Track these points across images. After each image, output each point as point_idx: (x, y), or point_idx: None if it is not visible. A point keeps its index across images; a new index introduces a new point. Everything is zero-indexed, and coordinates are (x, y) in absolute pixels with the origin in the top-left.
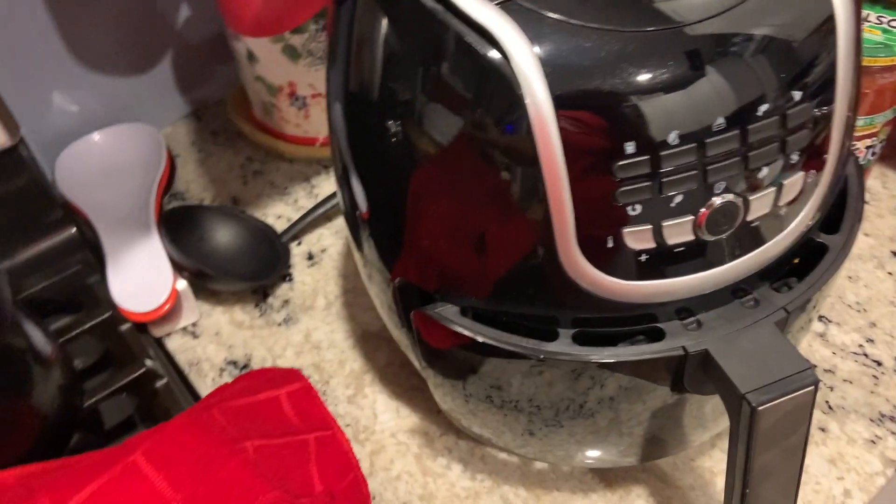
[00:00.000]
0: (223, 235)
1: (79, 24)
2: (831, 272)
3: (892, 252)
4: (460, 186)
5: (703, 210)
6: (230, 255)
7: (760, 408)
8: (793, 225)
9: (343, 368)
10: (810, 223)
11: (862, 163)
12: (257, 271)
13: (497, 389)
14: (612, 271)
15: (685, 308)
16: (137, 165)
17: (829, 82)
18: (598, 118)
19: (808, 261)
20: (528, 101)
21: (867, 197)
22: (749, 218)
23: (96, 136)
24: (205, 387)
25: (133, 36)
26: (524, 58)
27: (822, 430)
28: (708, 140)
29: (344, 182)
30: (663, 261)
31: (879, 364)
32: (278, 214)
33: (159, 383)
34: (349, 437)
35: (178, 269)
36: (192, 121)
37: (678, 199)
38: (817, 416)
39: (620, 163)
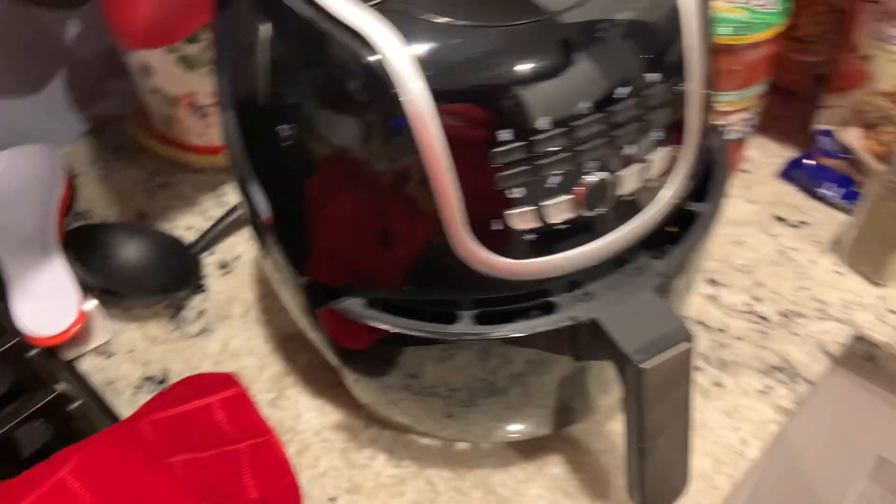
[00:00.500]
0: (130, 251)
1: None
2: (702, 237)
3: (774, 216)
4: (352, 185)
5: (579, 188)
6: (139, 271)
7: (644, 365)
8: (664, 196)
9: (263, 373)
10: (680, 193)
11: (739, 135)
12: (168, 285)
13: (413, 378)
14: (503, 252)
15: (576, 281)
16: (35, 188)
17: (680, 63)
18: (472, 110)
19: (682, 228)
20: (404, 99)
21: (748, 166)
22: (622, 192)
23: None
24: (122, 405)
25: (21, 56)
26: (399, 58)
27: (718, 385)
28: (575, 124)
29: (244, 190)
30: (549, 238)
31: (766, 319)
32: (188, 226)
33: (73, 406)
34: None
35: (86, 289)
36: (92, 138)
37: (555, 180)
38: (713, 372)
39: (497, 150)
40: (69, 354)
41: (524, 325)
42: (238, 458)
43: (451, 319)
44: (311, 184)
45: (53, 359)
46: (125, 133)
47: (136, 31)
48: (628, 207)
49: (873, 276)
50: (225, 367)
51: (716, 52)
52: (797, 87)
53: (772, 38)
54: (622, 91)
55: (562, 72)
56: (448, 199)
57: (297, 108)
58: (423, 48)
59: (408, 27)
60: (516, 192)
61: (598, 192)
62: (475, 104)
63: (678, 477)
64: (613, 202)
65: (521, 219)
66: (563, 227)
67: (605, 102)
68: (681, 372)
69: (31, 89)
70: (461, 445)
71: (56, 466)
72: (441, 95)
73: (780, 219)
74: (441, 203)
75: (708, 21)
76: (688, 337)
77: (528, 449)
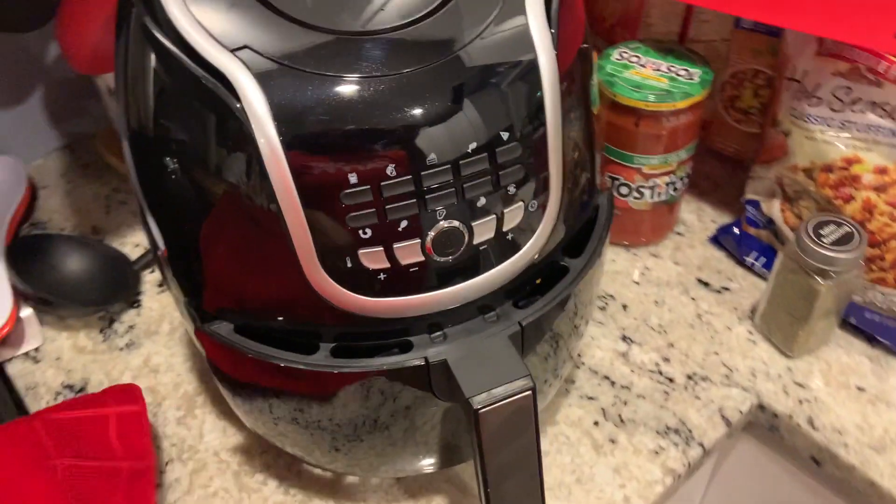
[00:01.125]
0: (73, 263)
1: None
2: (567, 291)
3: (698, 279)
4: (219, 218)
5: (429, 234)
6: (78, 282)
7: (481, 409)
8: (524, 249)
9: (177, 391)
10: (543, 248)
11: (666, 198)
12: (105, 297)
13: (300, 412)
14: (357, 289)
15: (436, 323)
16: (1, 196)
17: (538, 126)
18: (323, 154)
19: (552, 281)
20: (261, 141)
21: (682, 229)
22: (476, 241)
23: None
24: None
25: (1, 71)
26: (256, 102)
27: (612, 441)
28: (424, 173)
29: (142, 218)
30: (402, 279)
31: (672, 381)
32: (136, 243)
33: None
34: (173, 457)
35: (24, 296)
36: (64, 154)
37: (404, 223)
38: (609, 428)
39: (346, 191)
40: (0, 357)
41: (379, 361)
42: (118, 476)
43: (309, 349)
44: (188, 214)
45: None
46: (95, 151)
47: (83, 56)
48: (485, 257)
49: (783, 346)
50: (142, 382)
51: (591, 115)
52: (740, 156)
53: (692, 107)
54: (472, 146)
55: (413, 124)
56: (301, 236)
57: (173, 141)
58: (277, 95)
59: (265, 73)
60: (366, 233)
61: (448, 240)
62: (325, 149)
63: None
64: (467, 251)
65: (372, 258)
66: (415, 269)
67: (454, 156)
68: (524, 419)
69: (8, 103)
70: (350, 479)
71: None
72: (293, 140)
73: (703, 283)
74: (295, 240)
75: (578, 85)
76: (530, 387)
77: (415, 488)
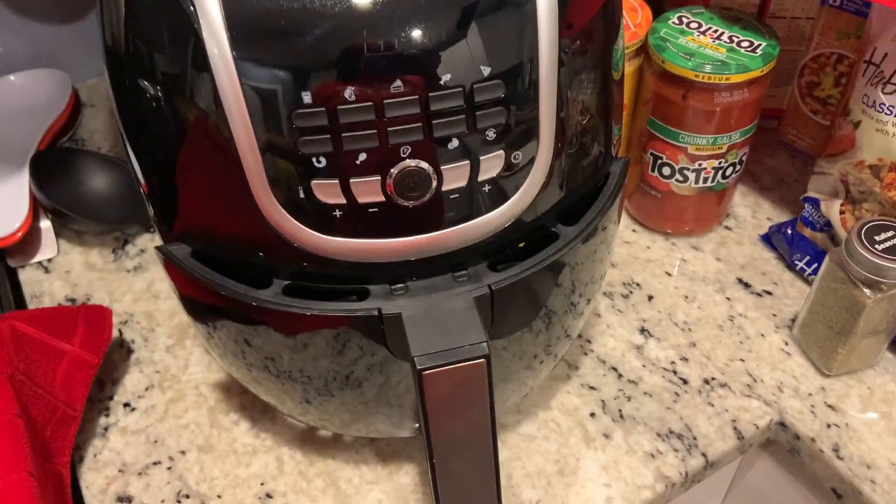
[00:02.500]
0: (98, 181)
1: None
2: (550, 260)
3: (738, 279)
4: (175, 134)
5: (391, 171)
6: (101, 200)
7: (426, 371)
8: (504, 206)
9: (172, 320)
10: (530, 208)
11: (711, 184)
12: (122, 218)
13: (272, 361)
14: (310, 224)
15: (401, 276)
16: (41, 107)
17: (527, 71)
18: (275, 67)
19: (539, 247)
20: (213, 50)
21: (731, 223)
22: (445, 188)
23: (12, 78)
24: None
25: None
26: (210, 6)
27: (606, 436)
28: (387, 101)
29: (123, 143)
30: (361, 220)
31: (685, 382)
32: None
33: None
34: (154, 384)
35: (42, 206)
36: None
37: (362, 156)
38: (605, 421)
39: (299, 111)
40: (13, 262)
41: (328, 305)
42: (53, 412)
43: (263, 284)
44: (151, 131)
45: None
46: None
47: None
48: (458, 208)
49: (820, 363)
50: (140, 306)
51: (609, 80)
52: (813, 152)
53: (749, 83)
54: (446, 77)
55: (379, 43)
56: (252, 160)
57: (140, 58)
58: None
59: None
60: (320, 162)
61: (412, 181)
62: (277, 62)
63: None
64: (436, 197)
65: (326, 191)
66: (375, 210)
67: (422, 85)
68: (476, 389)
69: (69, 19)
70: (324, 433)
71: None
72: (244, 50)
73: (744, 283)
74: (245, 164)
75: (585, 42)
76: (484, 353)
77: (387, 451)
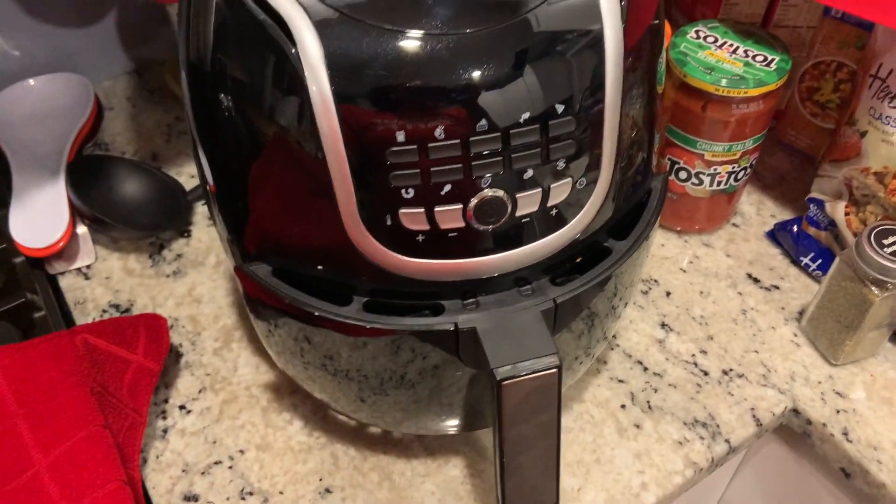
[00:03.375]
0: (130, 187)
1: None
2: (606, 273)
3: (748, 274)
4: (268, 160)
5: (472, 201)
6: (134, 207)
7: (504, 381)
8: (567, 226)
9: (217, 323)
10: (588, 226)
11: (727, 187)
12: (157, 224)
13: (329, 359)
14: (394, 247)
15: (471, 290)
16: (65, 113)
17: (596, 101)
18: (373, 109)
19: (593, 261)
20: (312, 89)
21: (738, 220)
22: (519, 214)
23: (32, 82)
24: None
25: None
26: (311, 49)
27: (637, 426)
28: (472, 139)
29: (195, 153)
30: (440, 243)
31: (706, 374)
32: (192, 174)
33: (38, 315)
34: (206, 386)
35: (81, 214)
36: (132, 78)
37: (447, 187)
38: (636, 412)
39: (393, 148)
40: (53, 269)
41: (409, 321)
42: (123, 419)
43: (343, 301)
44: (238, 153)
45: (37, 270)
46: (161, 78)
47: None
48: (526, 230)
49: (827, 353)
50: (184, 310)
51: (655, 94)
52: (811, 152)
53: (764, 96)
54: (524, 116)
55: (466, 87)
56: (344, 189)
57: (229, 78)
58: (333, 44)
59: (324, 21)
60: (409, 193)
61: (490, 209)
62: (375, 103)
63: (544, 500)
64: (508, 221)
65: (412, 219)
66: (454, 234)
67: (504, 124)
68: (547, 396)
69: (84, 22)
70: (373, 429)
71: None
72: (344, 91)
73: (753, 279)
74: (338, 192)
75: (644, 63)
76: (556, 364)
77: (434, 445)
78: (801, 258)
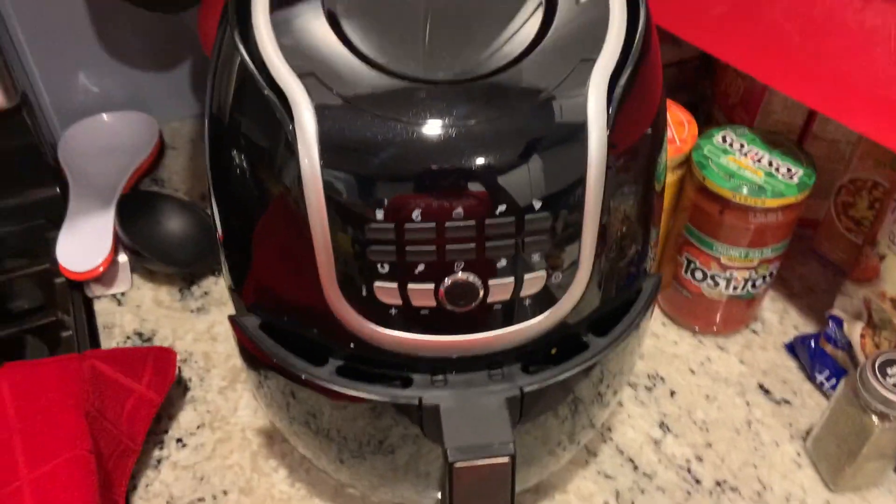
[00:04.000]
0: (174, 223)
1: (115, 18)
2: (578, 368)
3: (760, 384)
4: (261, 218)
5: (444, 281)
6: (173, 242)
7: (456, 464)
8: (539, 317)
9: (227, 362)
10: (563, 319)
11: (741, 293)
12: (192, 261)
13: (312, 416)
14: (369, 317)
15: (442, 367)
16: (129, 148)
17: (575, 200)
18: (356, 188)
19: (570, 353)
20: (304, 162)
21: (758, 327)
22: (491, 300)
23: (105, 117)
24: (108, 347)
25: (161, 39)
26: (307, 128)
27: None
28: (448, 224)
29: (209, 201)
30: (413, 318)
31: (698, 482)
32: None
33: (65, 334)
34: (205, 423)
35: (123, 244)
36: (198, 121)
37: (421, 267)
38: None
39: (372, 225)
40: (91, 292)
41: (375, 389)
42: (117, 445)
43: (319, 361)
44: (240, 208)
45: (76, 291)
46: None
47: (211, 45)
48: (498, 316)
49: (828, 478)
50: (200, 346)
51: (651, 193)
52: (844, 266)
53: (784, 207)
54: (500, 208)
55: (446, 176)
56: (325, 257)
57: (241, 135)
58: (327, 125)
59: (322, 106)
60: (384, 268)
61: (461, 292)
62: (359, 184)
63: None
64: (480, 305)
65: (386, 293)
66: (426, 311)
67: (479, 214)
68: (499, 485)
69: (161, 67)
70: (353, 491)
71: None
72: (332, 170)
73: (764, 389)
74: (319, 259)
75: (631, 163)
76: (510, 453)
77: None
78: (817, 375)
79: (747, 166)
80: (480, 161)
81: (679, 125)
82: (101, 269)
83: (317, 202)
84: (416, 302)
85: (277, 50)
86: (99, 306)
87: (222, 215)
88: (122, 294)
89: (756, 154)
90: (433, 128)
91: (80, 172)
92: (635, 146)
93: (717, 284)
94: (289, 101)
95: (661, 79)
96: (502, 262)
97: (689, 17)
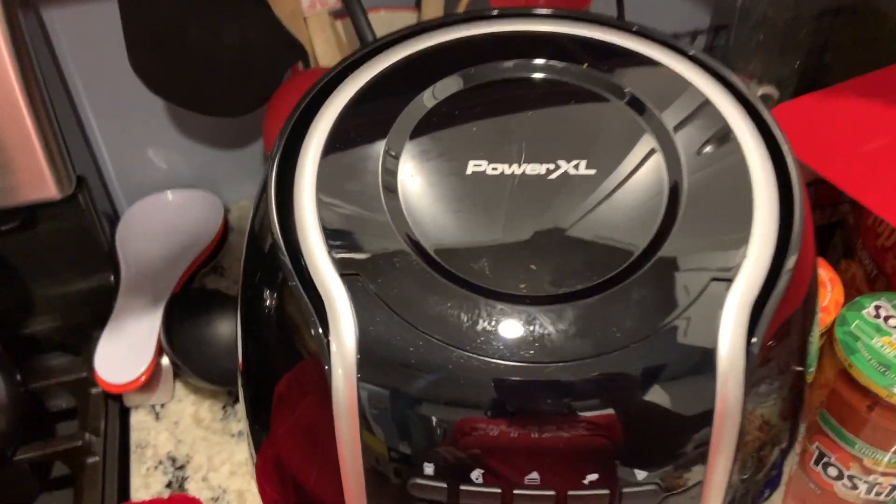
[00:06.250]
0: (223, 327)
1: None
2: None
3: None
4: (287, 420)
5: None
6: (221, 349)
7: None
8: None
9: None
10: None
11: (885, 499)
12: (230, 380)
13: None
14: None
15: None
16: (191, 230)
17: (695, 470)
18: (401, 431)
19: None
20: (334, 384)
21: None
22: None
23: (169, 195)
24: (137, 474)
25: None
26: (345, 342)
27: None
28: (516, 491)
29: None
30: None
31: None
32: None
33: (90, 460)
34: None
35: (165, 353)
36: None
37: None
38: None
39: (417, 480)
40: (130, 402)
41: None
42: None
43: None
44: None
45: (112, 402)
46: None
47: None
48: None
49: None
50: (234, 482)
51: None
52: None
53: None
54: (592, 477)
55: (521, 433)
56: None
57: (273, 318)
58: (369, 340)
59: (367, 310)
60: None
61: None
62: (405, 426)
63: None
64: None
65: None
66: None
67: (564, 483)
68: None
69: (229, 146)
70: None
71: None
72: (371, 403)
73: None
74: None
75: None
76: None
77: None
78: None
79: None
80: (568, 415)
81: (820, 286)
82: (143, 378)
83: (352, 448)
84: None
85: (320, 236)
86: (135, 418)
87: (245, 353)
88: (162, 406)
89: None
90: (505, 368)
91: (134, 258)
92: (778, 362)
93: (855, 487)
94: (326, 307)
95: (815, 264)
96: None
97: (831, 152)
